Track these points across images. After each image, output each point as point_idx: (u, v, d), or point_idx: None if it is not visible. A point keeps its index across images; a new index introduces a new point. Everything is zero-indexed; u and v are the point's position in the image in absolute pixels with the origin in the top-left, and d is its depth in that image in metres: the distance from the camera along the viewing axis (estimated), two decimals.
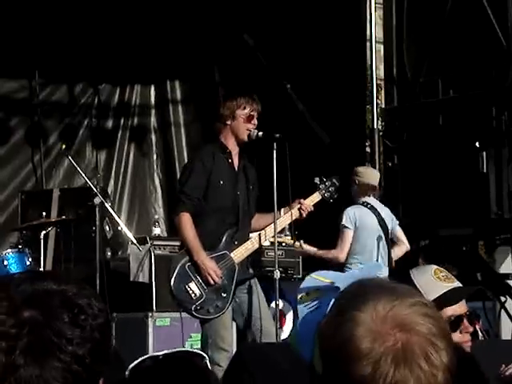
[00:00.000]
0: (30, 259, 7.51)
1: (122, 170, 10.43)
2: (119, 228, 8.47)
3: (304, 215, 6.13)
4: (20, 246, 7.59)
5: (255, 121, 6.09)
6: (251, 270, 6.20)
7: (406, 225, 8.90)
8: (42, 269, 7.35)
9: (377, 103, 9.23)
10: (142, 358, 2.02)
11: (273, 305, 7.65)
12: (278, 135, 7.34)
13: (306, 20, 9.37)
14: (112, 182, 10.36)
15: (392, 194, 7.59)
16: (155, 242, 8.19)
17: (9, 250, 7.62)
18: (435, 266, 2.90)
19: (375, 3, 9.15)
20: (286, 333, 8.26)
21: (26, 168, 9.86)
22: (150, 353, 7.96)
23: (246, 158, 6.34)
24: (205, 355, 2.09)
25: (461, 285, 2.81)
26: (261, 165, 9.38)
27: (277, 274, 7.46)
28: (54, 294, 1.42)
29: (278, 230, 6.21)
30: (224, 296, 5.92)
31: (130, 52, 10.04)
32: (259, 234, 6.15)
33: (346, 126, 9.17)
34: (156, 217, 9.44)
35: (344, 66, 9.13)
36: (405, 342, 1.44)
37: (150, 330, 7.63)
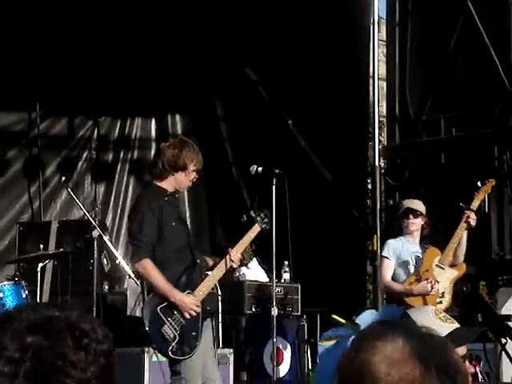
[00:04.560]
0: (27, 292, 7.43)
1: (121, 203, 10.39)
2: (117, 261, 8.38)
3: (235, 266, 6.19)
4: (16, 278, 7.50)
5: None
6: (209, 308, 6.18)
7: None
8: (38, 301, 7.26)
9: (379, 140, 9.21)
10: None
11: (270, 342, 7.59)
12: (277, 171, 7.34)
13: (308, 55, 9.39)
14: (110, 215, 10.30)
15: (393, 233, 7.53)
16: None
17: (5, 283, 7.53)
18: (433, 307, 2.84)
19: (378, 40, 9.14)
20: (283, 370, 8.17)
21: (22, 199, 9.82)
22: None
23: (177, 199, 6.30)
24: None
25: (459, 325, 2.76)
26: (261, 200, 9.38)
27: (274, 311, 7.40)
28: (57, 320, 1.41)
29: (214, 283, 6.20)
30: (194, 334, 5.92)
31: (131, 85, 10.04)
32: (213, 273, 6.13)
33: (348, 162, 9.16)
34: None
35: (346, 103, 9.13)
36: (422, 371, 1.47)
37: (146, 365, 7.53)
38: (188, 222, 10.28)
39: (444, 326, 2.65)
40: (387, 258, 7.31)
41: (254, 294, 8.50)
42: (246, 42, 9.82)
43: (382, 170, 9.18)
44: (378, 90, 9.17)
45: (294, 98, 9.53)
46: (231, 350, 8.05)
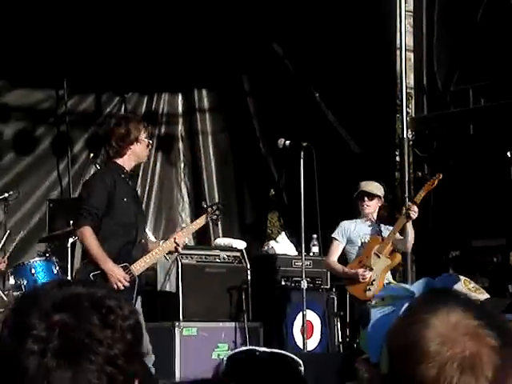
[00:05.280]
0: (58, 267, 7.51)
1: (149, 178, 10.42)
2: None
3: (178, 248, 6.40)
4: (47, 255, 7.58)
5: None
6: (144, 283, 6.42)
7: (436, 235, 8.82)
8: (69, 277, 7.32)
9: (407, 112, 9.15)
10: (240, 349, 1.99)
11: (300, 315, 7.62)
12: (305, 144, 7.34)
13: (335, 28, 9.33)
14: (139, 190, 10.33)
15: (422, 204, 7.49)
16: (182, 251, 8.13)
17: (36, 259, 7.62)
18: (463, 277, 2.84)
19: (405, 11, 9.08)
20: (313, 343, 8.20)
21: (51, 177, 9.88)
22: (177, 363, 7.92)
23: (134, 180, 6.61)
24: (301, 363, 2.02)
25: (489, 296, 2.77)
26: (288, 173, 9.37)
27: (304, 284, 7.42)
28: (82, 297, 1.42)
29: (153, 261, 6.45)
30: None
31: (158, 60, 10.04)
32: (156, 251, 6.33)
33: (376, 135, 9.11)
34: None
35: (374, 75, 9.07)
36: (474, 350, 1.44)
37: (177, 339, 7.60)
38: (216, 199, 10.38)
39: (473, 297, 2.65)
40: (336, 239, 7.45)
41: (283, 268, 8.52)
42: (273, 16, 9.78)
43: (410, 142, 9.13)
44: (406, 62, 9.11)
45: (320, 71, 9.49)
46: (261, 324, 8.10)
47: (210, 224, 7.43)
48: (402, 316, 1.51)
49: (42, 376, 1.36)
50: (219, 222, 6.94)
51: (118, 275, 5.98)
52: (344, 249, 7.48)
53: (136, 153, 6.21)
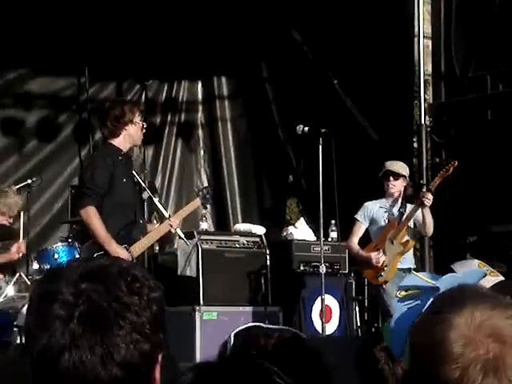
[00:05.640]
0: (80, 252, 7.61)
1: (169, 165, 10.50)
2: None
3: (172, 230, 6.55)
4: (70, 240, 7.69)
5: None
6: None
7: (454, 221, 8.86)
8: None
9: (424, 98, 9.18)
10: (246, 325, 1.99)
11: (319, 299, 7.70)
12: (324, 130, 7.39)
13: (353, 15, 9.36)
14: (159, 177, 10.44)
15: (439, 190, 7.54)
16: (202, 237, 8.25)
17: (59, 244, 7.73)
18: (477, 260, 2.88)
19: None
20: (332, 328, 8.28)
21: (73, 163, 9.97)
22: (198, 346, 8.03)
23: (131, 161, 6.76)
24: (305, 337, 2.05)
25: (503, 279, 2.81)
26: (307, 160, 9.43)
27: (322, 269, 7.49)
28: (109, 267, 1.44)
29: (151, 243, 6.69)
30: None
31: (178, 48, 10.10)
32: (152, 233, 6.50)
33: (394, 121, 9.14)
34: (203, 211, 9.49)
35: (392, 62, 9.10)
36: (497, 352, 1.42)
37: (198, 323, 7.68)
38: (235, 185, 10.46)
39: (487, 280, 2.70)
40: (358, 220, 7.48)
41: (301, 253, 8.60)
42: (291, 3, 9.81)
43: (428, 128, 9.16)
44: (424, 48, 9.14)
45: (339, 58, 9.52)
46: (280, 308, 8.19)
47: (202, 208, 7.85)
48: (426, 313, 1.48)
49: (69, 341, 1.37)
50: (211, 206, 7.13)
51: (122, 256, 6.00)
52: (368, 230, 7.49)
53: (131, 134, 6.30)
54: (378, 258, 7.23)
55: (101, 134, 6.65)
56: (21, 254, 7.68)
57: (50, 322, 1.38)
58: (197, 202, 6.84)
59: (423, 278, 1.59)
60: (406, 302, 1.56)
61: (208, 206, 7.66)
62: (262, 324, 2.01)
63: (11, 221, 7.86)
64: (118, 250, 6.08)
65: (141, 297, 1.41)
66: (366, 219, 7.46)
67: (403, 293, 1.57)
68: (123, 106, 6.34)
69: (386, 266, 7.21)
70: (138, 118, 6.32)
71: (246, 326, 2.00)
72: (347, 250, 8.21)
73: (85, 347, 1.37)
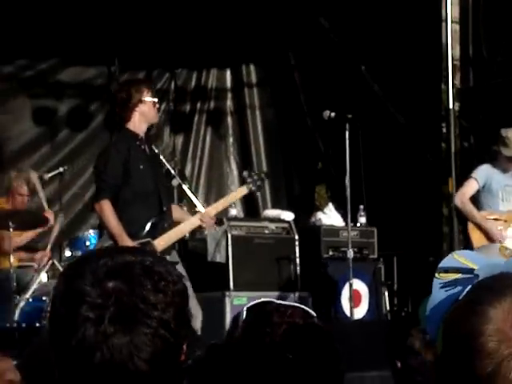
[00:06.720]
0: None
1: (199, 153, 10.57)
2: (197, 210, 8.61)
3: (204, 226, 6.34)
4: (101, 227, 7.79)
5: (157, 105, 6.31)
6: (177, 258, 6.23)
7: None
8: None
9: (453, 83, 9.17)
10: (258, 301, 1.99)
11: (347, 284, 7.74)
12: (350, 116, 7.41)
13: (381, 1, 9.35)
14: (189, 165, 10.51)
15: (468, 175, 7.55)
16: (232, 223, 8.33)
17: (90, 231, 7.86)
18: (499, 244, 2.90)
19: None
20: (361, 312, 8.32)
21: None
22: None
23: (150, 143, 6.45)
24: (315, 314, 2.02)
25: None
26: (335, 146, 9.46)
27: (350, 254, 7.53)
28: (134, 264, 1.45)
29: (178, 237, 6.31)
30: None
31: (207, 36, 10.15)
32: (181, 228, 6.26)
33: (422, 106, 9.14)
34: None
35: (419, 47, 9.09)
36: None
37: (228, 308, 7.76)
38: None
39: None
40: (475, 179, 7.17)
41: (330, 238, 8.64)
42: None
43: (457, 113, 9.15)
44: (452, 33, 9.12)
45: (366, 44, 9.53)
46: (309, 293, 8.24)
47: (257, 194, 7.23)
48: (463, 301, 1.43)
49: (101, 342, 1.40)
50: (262, 192, 6.69)
51: None
52: (478, 194, 7.16)
53: (143, 114, 6.11)
54: (503, 237, 6.96)
55: (117, 119, 6.39)
56: (45, 260, 7.61)
57: (79, 323, 1.41)
58: (243, 189, 6.59)
59: (462, 261, 1.53)
60: (443, 283, 1.50)
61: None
62: (274, 300, 2.02)
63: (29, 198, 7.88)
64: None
65: (166, 294, 1.45)
66: (482, 181, 7.13)
67: (442, 274, 1.52)
68: (130, 88, 6.17)
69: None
70: (147, 96, 6.12)
71: (260, 300, 2.00)
72: (374, 234, 8.17)
73: (116, 346, 1.40)
